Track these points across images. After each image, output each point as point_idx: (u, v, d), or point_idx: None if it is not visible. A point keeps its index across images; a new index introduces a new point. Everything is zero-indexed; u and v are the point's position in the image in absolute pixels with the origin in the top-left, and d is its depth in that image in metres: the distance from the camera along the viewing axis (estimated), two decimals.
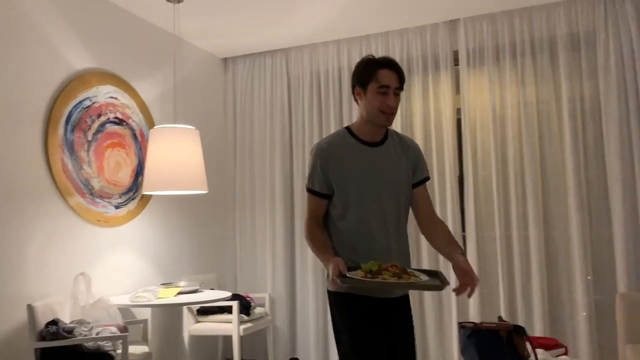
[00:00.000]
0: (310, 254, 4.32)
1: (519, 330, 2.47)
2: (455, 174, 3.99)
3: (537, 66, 3.82)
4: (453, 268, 1.89)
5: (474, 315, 3.73)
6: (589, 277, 3.58)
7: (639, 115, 3.51)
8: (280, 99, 4.56)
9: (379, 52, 4.23)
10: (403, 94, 4.12)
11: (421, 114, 4.11)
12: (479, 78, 3.98)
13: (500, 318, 2.63)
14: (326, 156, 2.00)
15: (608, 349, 3.45)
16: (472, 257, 3.81)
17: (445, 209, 3.96)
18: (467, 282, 1.82)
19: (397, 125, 4.13)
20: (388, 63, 1.97)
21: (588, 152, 3.67)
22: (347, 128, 2.08)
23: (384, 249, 1.97)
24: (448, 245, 2.00)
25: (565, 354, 2.81)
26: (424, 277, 1.85)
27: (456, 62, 4.06)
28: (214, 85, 4.71)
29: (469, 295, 1.84)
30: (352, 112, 4.28)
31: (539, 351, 2.59)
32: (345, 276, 1.77)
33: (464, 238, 3.91)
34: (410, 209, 2.13)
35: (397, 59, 4.12)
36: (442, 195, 3.99)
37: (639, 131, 3.49)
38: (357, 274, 1.79)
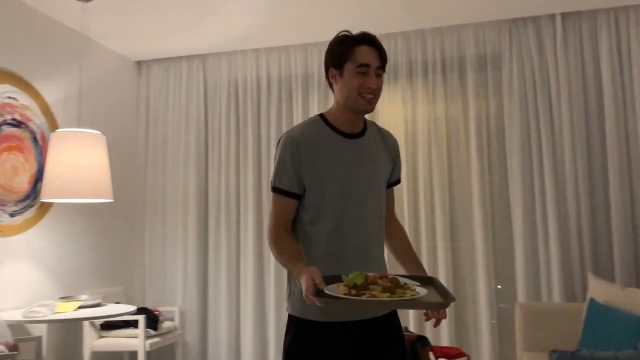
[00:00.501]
0: (224, 265, 4.24)
1: (422, 341, 2.54)
2: None
3: (447, 84, 3.98)
4: None
5: None
6: (499, 287, 3.75)
7: (538, 134, 3.73)
8: (196, 106, 4.45)
9: (297, 65, 4.26)
10: (322, 106, 4.25)
11: None
12: (393, 94, 4.08)
13: (405, 329, 2.69)
14: (298, 147, 1.68)
15: (508, 357, 3.61)
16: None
17: None
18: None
19: None
20: (367, 39, 1.69)
21: (492, 168, 3.85)
22: (321, 116, 1.77)
23: (364, 258, 1.68)
24: (409, 262, 1.77)
25: None
26: (421, 290, 1.44)
27: None
28: (125, 89, 4.52)
29: (435, 325, 1.58)
30: (272, 123, 4.26)
31: None
32: (323, 293, 1.36)
33: None
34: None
35: (315, 73, 4.20)
36: None
37: (539, 149, 3.71)
38: (338, 290, 1.38)
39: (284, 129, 4.21)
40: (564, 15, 3.75)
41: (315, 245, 1.67)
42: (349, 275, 1.41)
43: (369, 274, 1.42)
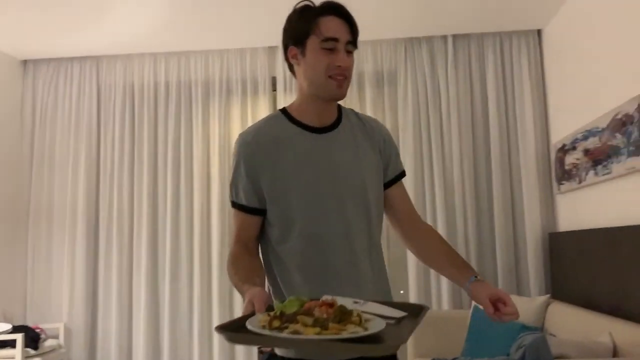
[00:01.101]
0: (115, 279, 4.03)
1: None
2: None
3: (347, 97, 4.05)
4: (473, 298, 1.30)
5: None
6: (402, 292, 3.87)
7: (430, 148, 3.91)
8: (87, 110, 4.21)
9: (197, 71, 4.17)
10: (223, 114, 4.21)
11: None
12: None
13: None
14: (252, 151, 1.38)
15: None
16: None
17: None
18: (506, 310, 1.23)
19: (214, 147, 4.08)
20: (334, 7, 1.38)
21: None
22: (283, 110, 1.45)
23: (352, 279, 1.35)
24: (453, 264, 1.39)
25: None
26: (376, 324, 1.01)
27: (274, 87, 4.15)
28: (9, 88, 4.19)
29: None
30: (169, 131, 4.12)
31: None
32: (226, 327, 1.03)
33: None
34: (385, 217, 1.52)
35: (217, 80, 4.13)
36: None
37: (430, 162, 3.89)
38: (258, 321, 1.02)
39: (182, 137, 4.10)
40: (455, 37, 3.97)
41: (290, 269, 1.36)
42: (286, 300, 1.08)
43: (312, 300, 1.07)
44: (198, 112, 4.13)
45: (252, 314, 1.07)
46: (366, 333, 0.96)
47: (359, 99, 4.05)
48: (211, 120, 4.13)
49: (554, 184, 3.68)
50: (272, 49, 4.15)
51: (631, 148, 2.59)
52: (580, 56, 3.26)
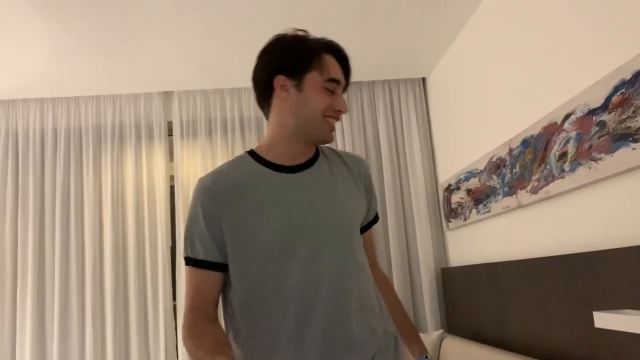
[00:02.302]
0: None
1: None
2: (167, 244, 3.93)
3: (246, 142, 4.10)
4: None
5: None
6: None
7: None
8: None
9: (89, 117, 4.02)
10: (116, 160, 4.07)
11: (134, 182, 3.99)
12: (192, 149, 4.07)
13: None
14: (211, 197, 1.21)
15: None
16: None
17: (156, 279, 3.85)
18: None
19: (107, 195, 3.92)
20: (336, 49, 1.27)
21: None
22: (250, 151, 1.31)
23: (332, 339, 1.17)
24: (402, 328, 1.37)
25: None
26: None
27: (170, 132, 4.09)
28: None
29: None
30: (58, 179, 3.90)
31: None
32: None
33: (174, 308, 3.83)
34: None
35: (109, 125, 4.00)
36: (153, 265, 3.87)
37: None
38: None
39: (72, 185, 3.91)
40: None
41: (260, 330, 1.17)
42: None
43: None
44: (89, 159, 3.96)
45: None
46: None
47: (258, 143, 4.09)
48: (103, 167, 3.98)
49: (444, 221, 3.91)
50: (167, 94, 4.10)
51: (505, 189, 2.82)
52: (460, 103, 3.53)
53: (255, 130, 4.10)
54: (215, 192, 1.22)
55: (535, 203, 2.54)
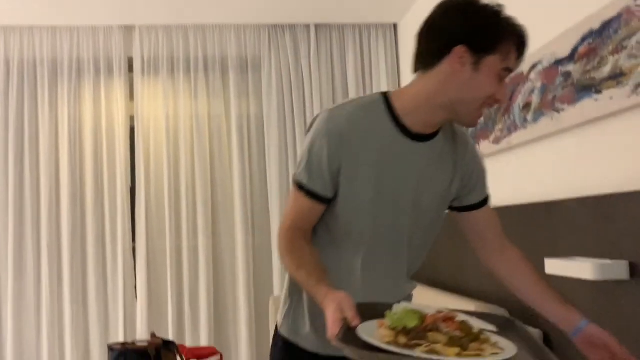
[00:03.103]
0: None
1: (168, 346, 2.48)
2: (127, 184, 3.85)
3: (210, 82, 3.97)
4: (579, 342, 1.21)
5: (142, 332, 3.64)
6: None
7: (294, 135, 3.95)
8: None
9: (44, 48, 3.81)
10: (73, 96, 3.90)
11: (92, 120, 3.85)
12: (153, 88, 3.93)
13: (153, 334, 2.60)
14: (340, 141, 1.21)
15: (265, 350, 3.76)
16: (142, 269, 3.73)
17: (115, 220, 3.78)
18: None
19: (64, 132, 3.78)
20: (524, 39, 1.17)
21: (253, 167, 3.96)
22: (386, 98, 1.25)
23: (394, 295, 1.31)
24: (553, 298, 1.28)
25: None
26: (504, 343, 0.95)
27: (130, 69, 3.93)
28: None
29: None
30: (11, 114, 3.73)
31: None
32: (353, 336, 0.92)
33: (134, 250, 3.79)
34: (472, 239, 1.44)
35: (66, 59, 3.82)
36: (112, 206, 3.79)
37: (294, 150, 3.94)
38: (378, 333, 0.93)
39: (26, 121, 3.74)
40: (317, 26, 4.03)
41: (339, 258, 1.28)
42: (394, 310, 0.97)
43: (425, 311, 0.97)
44: (44, 94, 3.79)
45: (347, 324, 0.94)
46: (509, 355, 0.86)
47: (223, 84, 3.98)
48: (60, 103, 3.81)
49: None
50: (128, 28, 3.91)
51: None
52: None
53: (219, 71, 3.97)
54: (346, 137, 1.20)
55: (497, 153, 2.55)
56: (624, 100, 1.69)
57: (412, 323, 0.91)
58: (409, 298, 1.42)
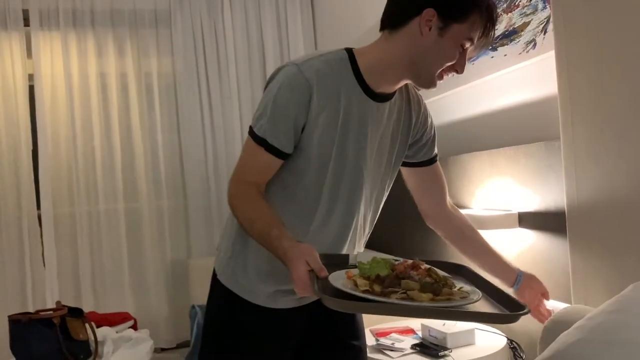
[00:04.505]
0: None
1: (75, 313, 2.40)
2: (28, 147, 3.61)
3: (118, 39, 3.75)
4: (518, 293, 1.35)
5: (52, 302, 3.50)
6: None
7: (208, 93, 3.84)
8: None
9: None
10: None
11: None
12: (54, 43, 3.66)
13: (58, 303, 2.51)
14: (310, 97, 1.17)
15: (183, 315, 3.71)
16: (49, 236, 3.55)
17: (17, 185, 3.55)
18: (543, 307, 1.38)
19: None
20: (493, 14, 1.18)
21: (164, 128, 3.83)
22: (351, 56, 1.23)
23: (344, 242, 1.30)
24: (493, 254, 1.40)
25: (134, 326, 2.89)
26: (468, 288, 1.02)
27: (27, 22, 3.63)
28: None
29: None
30: None
31: (103, 329, 2.58)
32: (327, 284, 0.95)
33: (39, 217, 3.60)
34: (417, 197, 1.46)
35: None
36: (13, 169, 3.55)
37: (209, 108, 3.83)
38: (346, 282, 0.97)
39: None
40: None
41: (296, 215, 1.24)
42: (365, 260, 0.99)
43: (394, 259, 1.01)
44: None
45: (315, 275, 0.96)
46: (478, 299, 0.94)
47: (130, 40, 3.76)
48: None
49: None
50: None
51: None
52: (352, 12, 3.44)
53: (128, 26, 3.75)
54: (314, 92, 1.17)
55: None
56: (516, 58, 1.75)
57: (383, 271, 0.95)
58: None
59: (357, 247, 1.34)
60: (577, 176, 1.40)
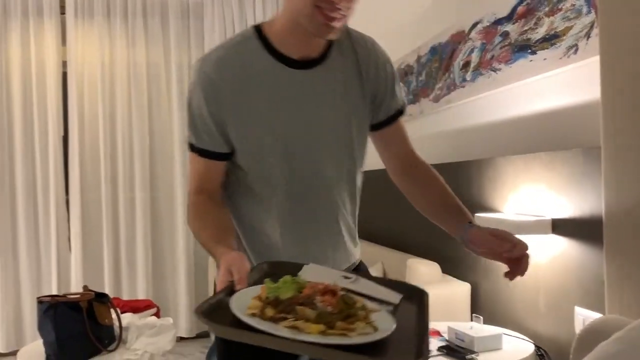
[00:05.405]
0: None
1: (102, 298, 2.43)
2: (59, 133, 3.67)
3: (148, 29, 3.79)
4: (469, 244, 1.14)
5: (77, 285, 3.56)
6: None
7: None
8: None
9: None
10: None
11: (20, 64, 3.61)
12: (88, 32, 3.71)
13: (85, 287, 2.55)
14: (218, 90, 1.10)
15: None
16: (76, 221, 3.61)
17: (47, 170, 3.62)
18: (510, 250, 1.06)
19: None
20: None
21: None
22: (258, 29, 1.14)
23: (332, 238, 1.22)
24: (446, 209, 1.24)
25: (157, 314, 2.92)
26: (385, 321, 0.84)
27: (63, 10, 3.68)
28: None
29: (522, 273, 1.08)
30: None
31: (127, 315, 2.61)
32: (206, 311, 0.80)
33: (67, 202, 3.66)
34: (383, 158, 1.32)
35: None
36: (43, 155, 3.62)
37: None
38: (247, 307, 0.82)
39: None
40: None
41: (259, 222, 1.17)
42: (310, 276, 0.89)
43: (310, 282, 0.87)
44: None
45: (230, 287, 0.86)
46: (379, 337, 0.77)
47: (162, 31, 3.80)
48: None
49: None
50: None
51: (410, 96, 2.84)
52: (371, 5, 3.43)
53: (159, 16, 3.79)
54: (220, 85, 1.10)
55: (436, 111, 2.58)
56: (556, 62, 1.73)
57: (286, 294, 0.83)
58: (348, 232, 1.26)
59: (346, 224, 1.23)
60: (617, 185, 1.37)
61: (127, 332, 2.46)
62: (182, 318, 3.73)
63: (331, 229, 1.20)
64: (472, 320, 1.98)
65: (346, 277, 0.99)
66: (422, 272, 2.21)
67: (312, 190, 1.17)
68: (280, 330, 0.76)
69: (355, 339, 0.75)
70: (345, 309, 0.82)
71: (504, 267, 1.11)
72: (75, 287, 3.55)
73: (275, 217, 1.17)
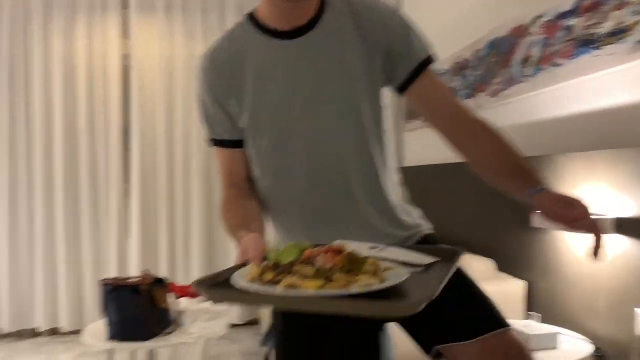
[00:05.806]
0: None
1: (160, 283, 2.53)
2: (120, 126, 3.82)
3: (207, 24, 3.89)
4: (536, 211, 1.02)
5: (134, 270, 3.71)
6: None
7: None
8: None
9: None
10: (67, 32, 3.80)
11: (86, 57, 3.77)
12: (149, 26, 3.84)
13: (146, 271, 2.65)
14: (213, 78, 1.14)
15: None
16: (136, 211, 3.76)
17: (109, 161, 3.78)
18: (579, 218, 0.97)
19: (57, 69, 3.71)
20: None
21: None
22: (250, 15, 1.16)
23: (349, 214, 1.15)
24: (511, 172, 1.09)
25: None
26: (397, 274, 0.80)
27: (125, 4, 3.83)
28: None
29: (596, 252, 0.97)
30: (3, 48, 3.65)
31: (183, 300, 2.72)
32: (204, 281, 0.81)
33: (127, 191, 3.82)
34: (425, 119, 1.18)
35: None
36: (106, 147, 3.78)
37: None
38: (247, 273, 0.82)
39: (19, 57, 3.67)
40: None
41: (277, 211, 1.18)
42: (284, 248, 0.85)
43: (317, 245, 0.84)
44: (36, 29, 3.70)
45: (244, 265, 0.86)
46: (381, 286, 0.72)
47: (220, 26, 3.89)
48: (54, 39, 3.73)
49: (402, 122, 3.91)
50: None
51: (467, 91, 2.80)
52: (425, 2, 3.40)
53: (217, 10, 3.87)
54: (216, 73, 1.13)
55: (494, 106, 2.54)
56: (623, 58, 1.68)
57: (287, 258, 0.80)
58: (374, 202, 1.17)
59: (371, 196, 1.15)
60: None
61: (184, 316, 2.55)
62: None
63: (348, 202, 1.14)
64: (527, 318, 1.95)
65: (373, 247, 0.96)
66: (476, 268, 2.20)
67: (330, 168, 1.12)
68: (270, 290, 0.74)
69: (352, 290, 0.71)
70: (347, 265, 0.78)
71: (563, 266, 1.10)
72: (133, 272, 3.70)
73: (289, 201, 1.16)
